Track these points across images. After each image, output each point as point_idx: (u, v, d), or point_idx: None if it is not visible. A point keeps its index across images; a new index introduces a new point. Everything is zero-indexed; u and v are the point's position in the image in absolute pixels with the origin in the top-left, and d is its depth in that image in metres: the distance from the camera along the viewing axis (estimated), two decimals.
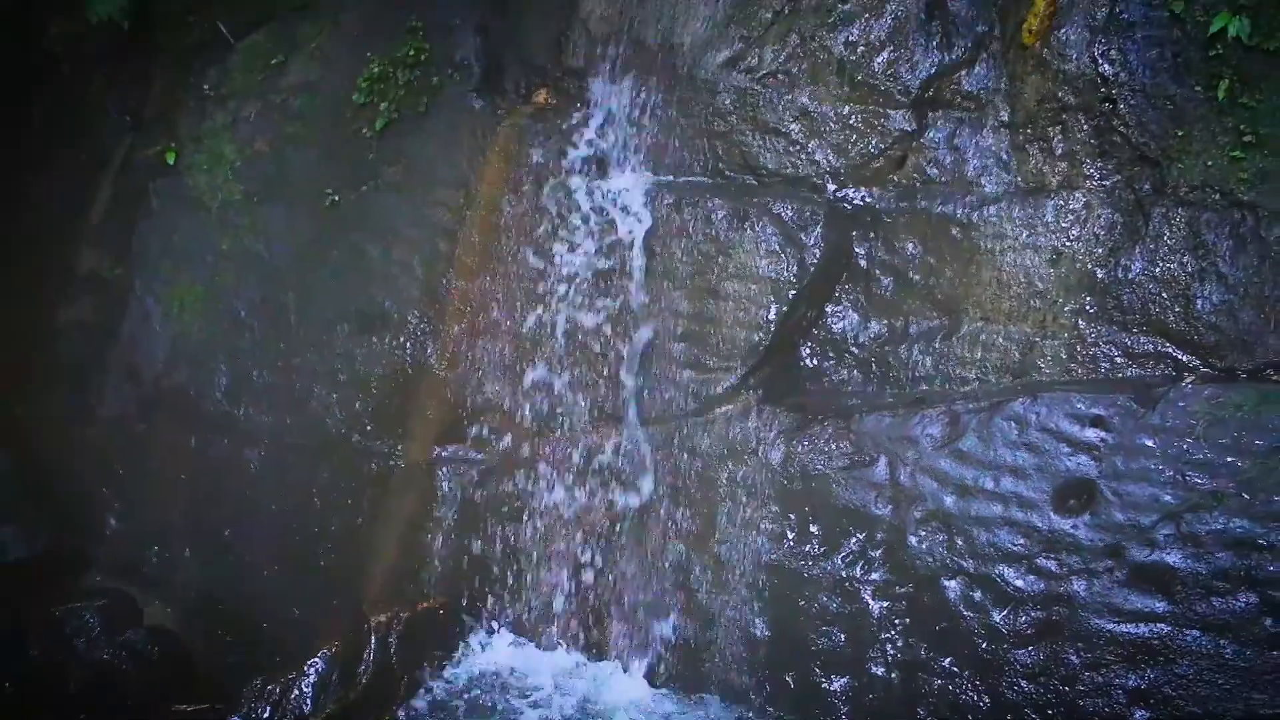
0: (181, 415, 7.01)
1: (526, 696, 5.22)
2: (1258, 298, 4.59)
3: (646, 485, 5.39)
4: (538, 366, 5.68)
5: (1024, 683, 4.54)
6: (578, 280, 5.61)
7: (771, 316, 5.22)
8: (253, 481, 6.62)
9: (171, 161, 7.45)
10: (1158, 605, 4.39)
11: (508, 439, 5.77)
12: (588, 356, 5.58)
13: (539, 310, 5.72)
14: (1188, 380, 4.58)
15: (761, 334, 5.23)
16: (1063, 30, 4.99)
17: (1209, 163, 4.69)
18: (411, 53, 6.39)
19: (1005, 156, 5.14)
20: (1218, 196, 4.67)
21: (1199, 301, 4.68)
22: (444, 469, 5.93)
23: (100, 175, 8.01)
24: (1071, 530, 4.55)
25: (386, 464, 6.13)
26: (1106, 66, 4.89)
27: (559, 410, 5.65)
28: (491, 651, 5.60)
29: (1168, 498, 4.42)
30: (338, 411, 6.32)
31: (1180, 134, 4.73)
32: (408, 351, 6.12)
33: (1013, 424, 4.71)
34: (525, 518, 5.66)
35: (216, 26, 7.51)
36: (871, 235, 5.34)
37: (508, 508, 5.73)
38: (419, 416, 6.05)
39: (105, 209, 7.90)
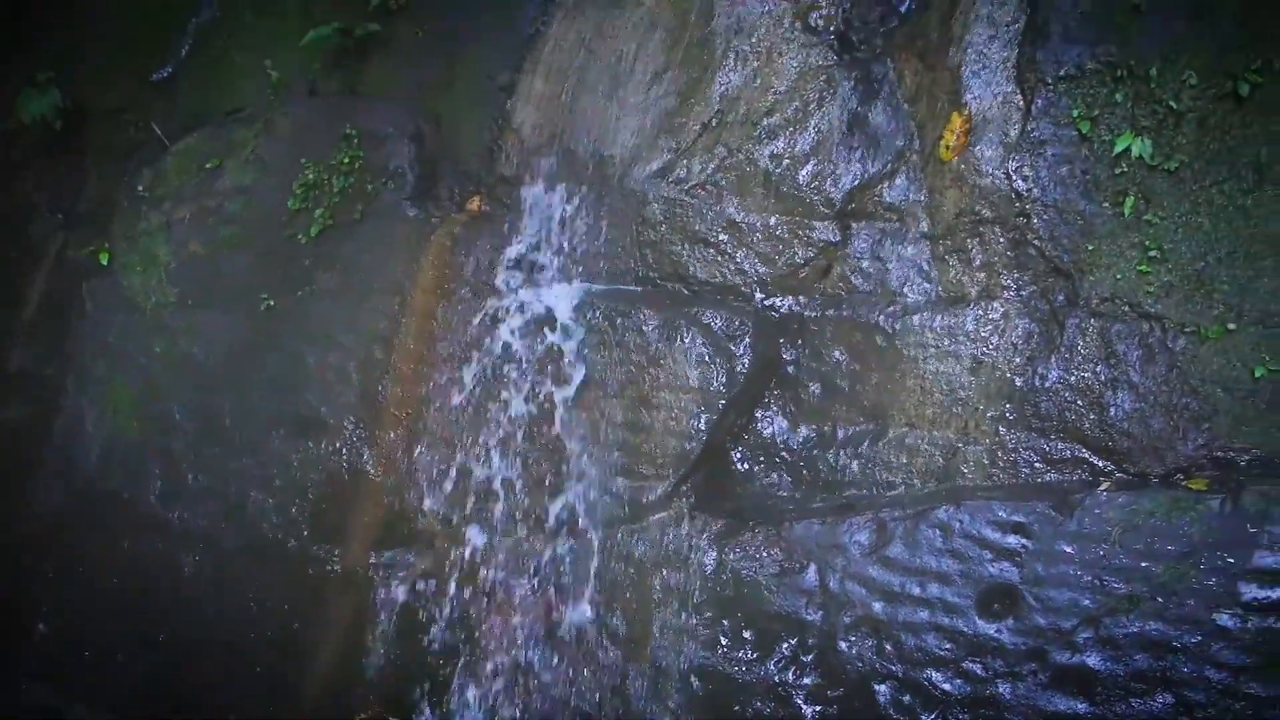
0: (114, 518, 6.98)
1: None
2: (1167, 406, 4.76)
3: (583, 591, 5.44)
4: (474, 473, 5.73)
5: None
6: (513, 388, 5.69)
7: (702, 425, 5.33)
8: (188, 586, 6.59)
9: (105, 261, 7.47)
10: (1079, 706, 4.51)
11: (445, 545, 5.81)
12: (523, 463, 5.64)
13: (474, 417, 5.77)
14: (1103, 487, 4.73)
15: (693, 442, 5.34)
16: (978, 147, 5.18)
17: (1118, 276, 4.88)
18: (346, 160, 6.49)
19: (926, 267, 5.30)
20: (1127, 308, 4.86)
21: (1112, 409, 4.85)
22: (381, 574, 5.96)
23: (33, 273, 8.01)
24: (996, 634, 4.67)
25: (324, 569, 6.13)
26: (1020, 182, 5.08)
27: (496, 517, 5.69)
28: None
29: (1087, 602, 4.56)
30: (274, 516, 6.33)
31: (1090, 248, 4.92)
32: (344, 457, 6.15)
33: (938, 531, 4.84)
34: (463, 625, 5.68)
35: (151, 128, 7.56)
36: (799, 342, 5.47)
37: (446, 614, 5.74)
38: (356, 522, 6.07)
39: (37, 307, 7.89)
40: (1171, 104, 4.85)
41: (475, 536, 5.75)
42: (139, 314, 7.12)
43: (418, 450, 5.95)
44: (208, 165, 7.09)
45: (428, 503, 5.89)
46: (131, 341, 7.13)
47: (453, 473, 5.81)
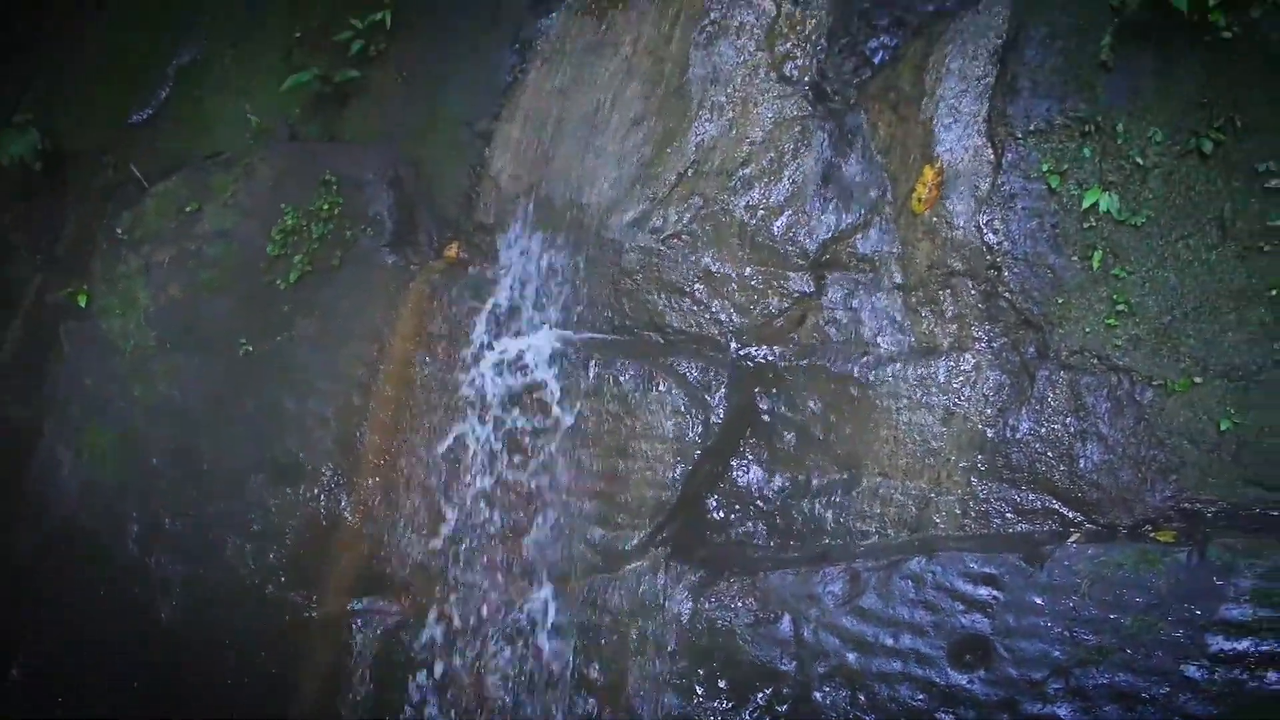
0: (91, 561, 6.96)
1: None
2: (1135, 458, 4.84)
3: (560, 638, 5.47)
4: (451, 521, 5.76)
5: None
6: (490, 436, 5.72)
7: (678, 476, 5.39)
8: (165, 631, 6.58)
9: (84, 304, 7.45)
10: None
11: (422, 592, 5.83)
12: (500, 511, 5.68)
13: (452, 464, 5.80)
14: (1073, 539, 4.80)
15: (669, 492, 5.39)
16: (949, 200, 5.26)
17: (1087, 329, 4.96)
18: (325, 206, 6.53)
19: (899, 318, 5.37)
20: (1096, 361, 4.93)
21: (1081, 460, 4.92)
22: (358, 621, 5.98)
23: (10, 314, 7.99)
24: (968, 685, 4.73)
25: (302, 615, 6.14)
26: (991, 235, 5.15)
27: (473, 564, 5.72)
28: None
29: (1057, 653, 4.62)
30: (251, 562, 6.34)
31: (1060, 301, 5.00)
32: (322, 503, 6.17)
33: (910, 582, 4.90)
34: (441, 672, 5.70)
35: (130, 170, 7.58)
36: (774, 391, 5.53)
37: (423, 660, 5.77)
38: (334, 568, 6.09)
39: (14, 349, 7.88)
40: (1138, 160, 4.94)
41: (452, 583, 5.76)
42: (117, 357, 7.12)
43: (396, 497, 5.97)
44: (187, 208, 7.11)
45: (405, 549, 5.92)
46: (110, 384, 7.13)
47: (430, 520, 5.83)
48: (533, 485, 5.62)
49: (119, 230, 7.41)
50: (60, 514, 7.16)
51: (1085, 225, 5.00)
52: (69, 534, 7.10)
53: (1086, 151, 5.02)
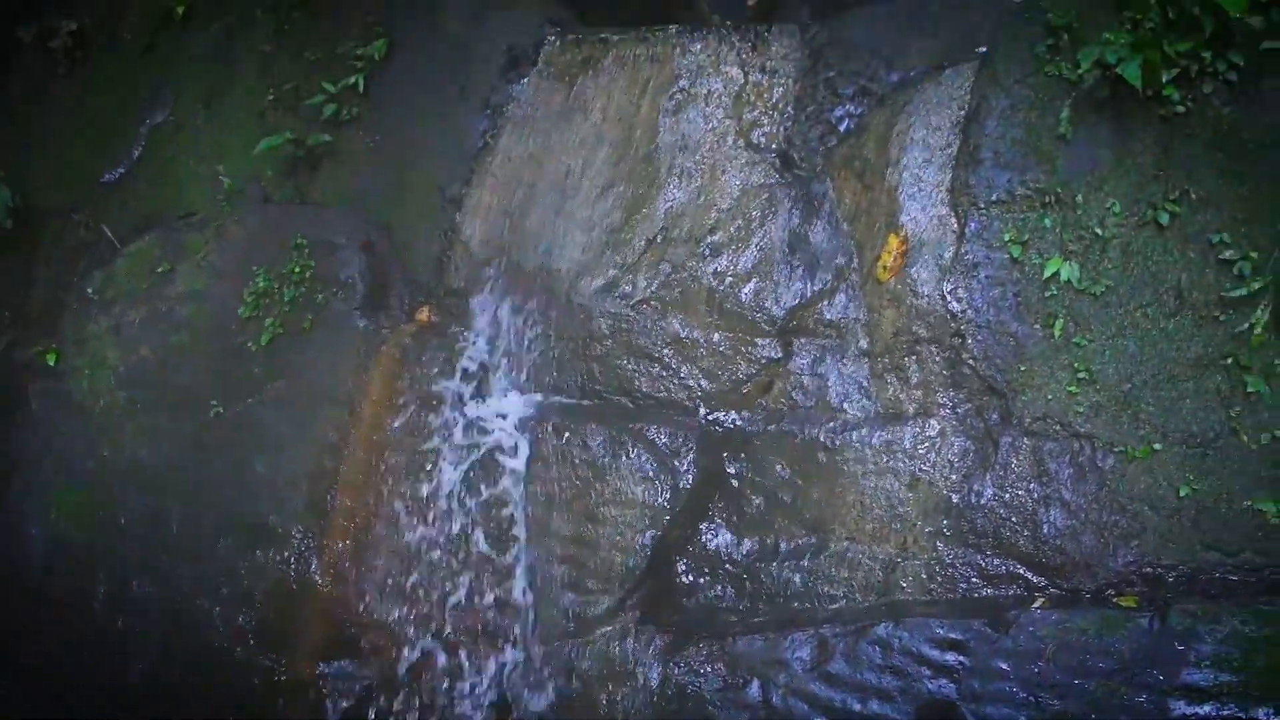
0: (58, 624, 6.91)
1: None
2: (1097, 523, 4.91)
3: (530, 704, 5.48)
4: (421, 585, 5.78)
5: None
6: (460, 500, 5.75)
7: (648, 541, 5.43)
8: (134, 693, 6.55)
9: (53, 363, 7.46)
10: None
11: (392, 656, 5.83)
12: (471, 575, 5.70)
13: (422, 529, 5.84)
14: (1037, 604, 4.85)
15: (638, 557, 5.43)
16: (914, 268, 5.35)
17: (1049, 396, 5.04)
18: (297, 269, 6.57)
19: (866, 384, 5.44)
20: (1059, 427, 5.01)
21: (1045, 526, 4.99)
22: (329, 684, 5.96)
23: None
24: None
25: (271, 678, 6.13)
26: (955, 304, 5.24)
27: (443, 629, 5.73)
28: None
29: (1023, 718, 4.66)
30: (221, 624, 6.33)
31: (1023, 368, 5.09)
32: (292, 566, 6.17)
33: (878, 648, 4.94)
34: None
35: (102, 230, 7.60)
36: (742, 456, 5.58)
37: None
38: (303, 631, 6.09)
39: None
40: (1097, 230, 5.05)
41: (423, 648, 5.77)
42: (86, 417, 7.11)
43: (366, 560, 5.98)
44: (159, 269, 7.13)
45: (375, 613, 5.92)
46: (79, 444, 7.12)
47: (401, 584, 5.84)
48: (503, 550, 5.63)
49: (90, 290, 7.42)
50: (27, 575, 7.11)
51: (1047, 294, 5.09)
52: (37, 594, 7.06)
53: (1047, 222, 5.12)
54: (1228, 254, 4.82)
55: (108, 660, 6.66)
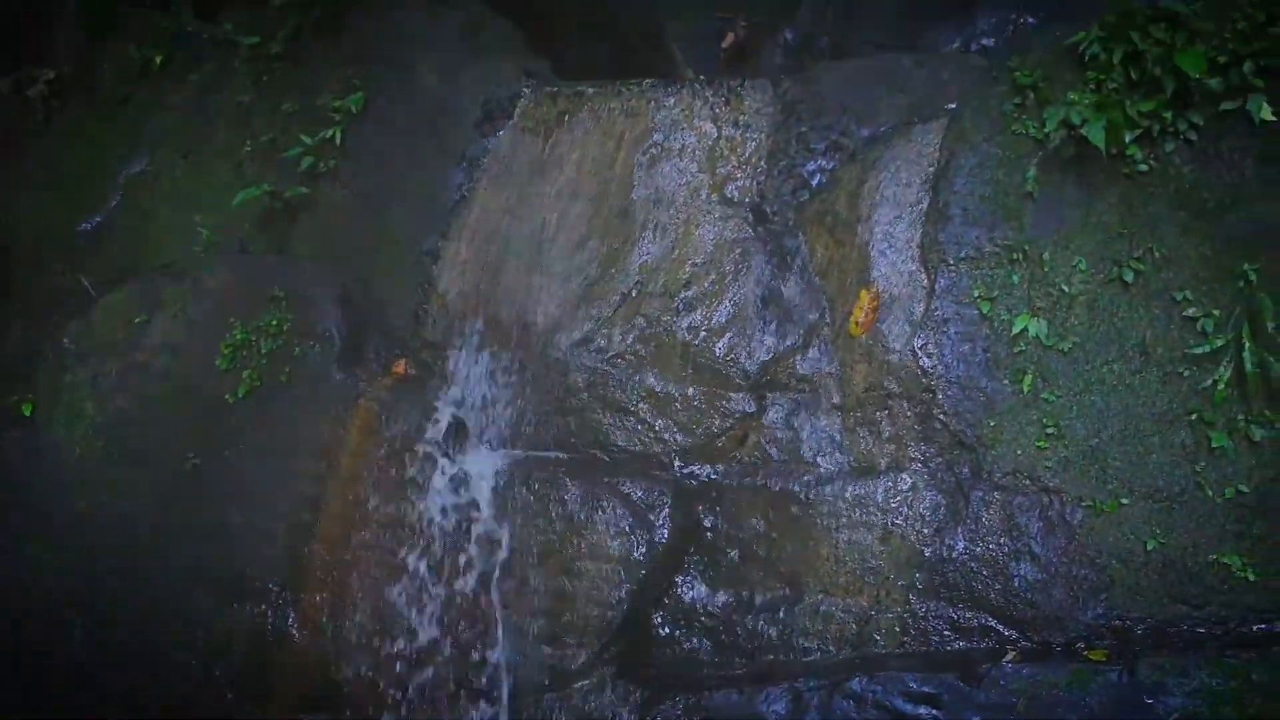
0: (33, 675, 6.88)
1: None
2: (1067, 577, 4.98)
3: None
4: (398, 638, 5.79)
5: None
6: (437, 554, 5.78)
7: (624, 595, 5.47)
8: None
9: (28, 413, 7.43)
10: None
11: (370, 709, 5.84)
12: (448, 630, 5.72)
13: (399, 582, 5.85)
14: (1008, 658, 4.92)
15: (614, 611, 5.47)
16: (885, 324, 5.43)
17: (1019, 451, 5.12)
18: (274, 322, 6.59)
19: (838, 437, 5.50)
20: (1028, 482, 5.09)
21: (1016, 580, 5.06)
22: None
23: None
24: None
25: None
26: (925, 359, 5.32)
27: (420, 682, 5.74)
28: None
29: None
30: (198, 676, 6.31)
31: (993, 424, 5.16)
32: (269, 619, 6.18)
33: (851, 702, 4.99)
34: None
35: (79, 279, 7.61)
36: (718, 509, 5.63)
37: None
38: (280, 684, 6.09)
39: None
40: (1064, 287, 5.15)
41: (400, 702, 5.77)
42: (62, 468, 7.09)
43: (342, 613, 5.98)
44: (136, 320, 7.13)
45: (353, 667, 5.92)
46: (54, 495, 7.09)
47: (377, 637, 5.85)
48: (480, 604, 5.66)
49: (66, 340, 7.41)
50: (2, 623, 7.07)
51: (1015, 350, 5.17)
52: (11, 643, 7.02)
53: (1015, 278, 5.21)
54: (1191, 311, 4.93)
55: (83, 710, 6.61)
